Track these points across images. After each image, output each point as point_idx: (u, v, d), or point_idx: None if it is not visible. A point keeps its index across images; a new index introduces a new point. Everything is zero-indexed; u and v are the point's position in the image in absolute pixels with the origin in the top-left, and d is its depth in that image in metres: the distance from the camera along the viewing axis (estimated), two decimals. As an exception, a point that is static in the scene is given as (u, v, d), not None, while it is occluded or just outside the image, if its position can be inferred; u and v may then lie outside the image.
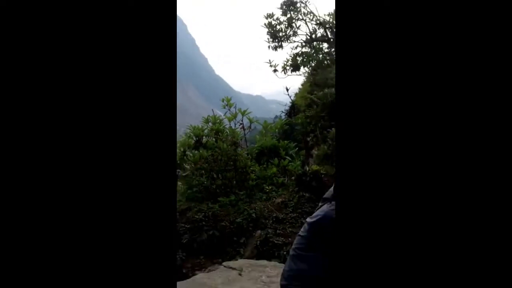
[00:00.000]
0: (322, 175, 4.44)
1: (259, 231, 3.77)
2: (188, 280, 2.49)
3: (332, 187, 2.07)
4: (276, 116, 8.72)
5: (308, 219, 2.03)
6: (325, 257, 1.87)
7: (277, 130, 6.50)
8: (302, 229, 2.06)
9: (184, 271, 3.35)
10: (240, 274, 2.46)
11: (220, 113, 5.97)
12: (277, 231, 3.72)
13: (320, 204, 2.09)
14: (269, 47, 10.14)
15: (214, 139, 5.55)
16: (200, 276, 2.54)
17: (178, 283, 2.40)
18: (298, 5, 10.30)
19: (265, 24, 10.24)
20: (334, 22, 9.92)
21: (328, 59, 9.57)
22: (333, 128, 5.84)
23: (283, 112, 8.78)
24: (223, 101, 5.99)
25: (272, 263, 2.80)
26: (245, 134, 6.00)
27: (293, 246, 2.06)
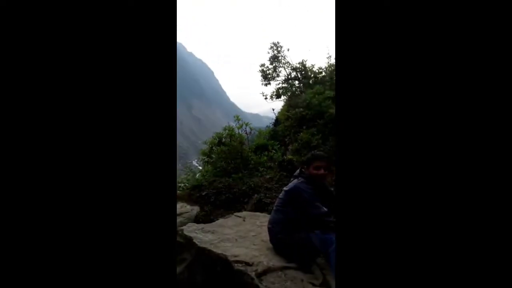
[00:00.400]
0: (294, 161, 4.44)
1: (255, 195, 3.76)
2: (212, 223, 2.49)
3: (298, 169, 2.08)
4: (267, 126, 8.70)
5: (285, 188, 2.04)
6: (292, 211, 1.89)
7: (267, 134, 6.55)
8: (280, 194, 2.07)
9: (211, 217, 3.37)
10: (244, 220, 2.45)
11: (233, 124, 5.97)
12: (266, 195, 3.71)
13: (291, 179, 2.10)
14: (261, 84, 10.34)
15: (229, 140, 5.54)
16: (220, 221, 2.55)
17: (208, 224, 2.40)
18: (280, 58, 10.44)
19: (259, 70, 10.44)
20: (303, 67, 9.93)
21: (298, 91, 9.62)
22: (301, 133, 5.84)
23: (271, 123, 8.79)
24: (235, 117, 6.03)
25: (263, 214, 2.80)
26: (248, 137, 6.01)
27: (275, 204, 2.07)
